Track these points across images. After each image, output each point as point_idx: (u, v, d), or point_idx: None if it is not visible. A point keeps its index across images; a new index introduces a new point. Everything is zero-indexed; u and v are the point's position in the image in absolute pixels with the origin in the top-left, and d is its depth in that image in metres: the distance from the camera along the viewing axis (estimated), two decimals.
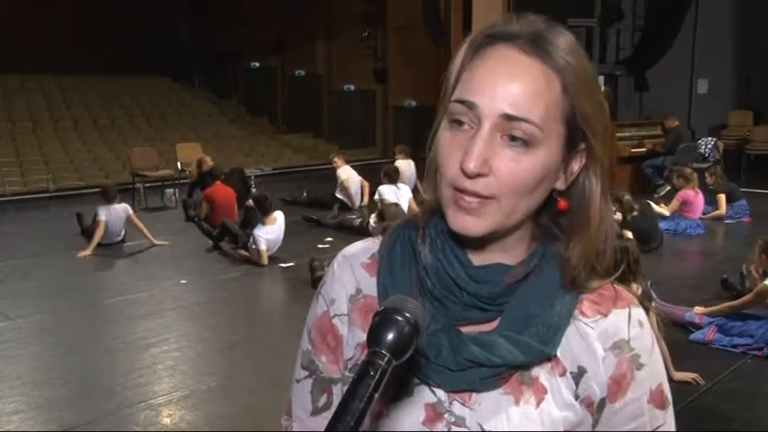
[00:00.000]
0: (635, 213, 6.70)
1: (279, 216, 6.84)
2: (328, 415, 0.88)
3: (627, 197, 6.76)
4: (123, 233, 7.52)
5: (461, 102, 0.74)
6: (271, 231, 6.73)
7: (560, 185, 0.79)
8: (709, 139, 10.79)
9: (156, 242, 7.49)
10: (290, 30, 16.35)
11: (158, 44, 17.26)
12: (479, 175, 0.72)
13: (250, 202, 7.51)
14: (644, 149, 10.50)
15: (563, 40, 0.76)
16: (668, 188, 9.87)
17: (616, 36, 11.56)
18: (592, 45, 11.15)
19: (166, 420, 3.64)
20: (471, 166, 0.72)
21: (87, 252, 7.09)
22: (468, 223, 0.75)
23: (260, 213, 6.81)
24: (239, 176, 9.74)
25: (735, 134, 11.86)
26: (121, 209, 7.40)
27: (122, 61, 16.36)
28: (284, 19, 16.35)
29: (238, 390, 4.01)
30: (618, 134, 10.52)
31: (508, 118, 0.72)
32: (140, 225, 7.46)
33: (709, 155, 10.59)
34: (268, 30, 16.59)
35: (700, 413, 3.62)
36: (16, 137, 13.08)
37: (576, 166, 0.79)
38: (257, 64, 17.79)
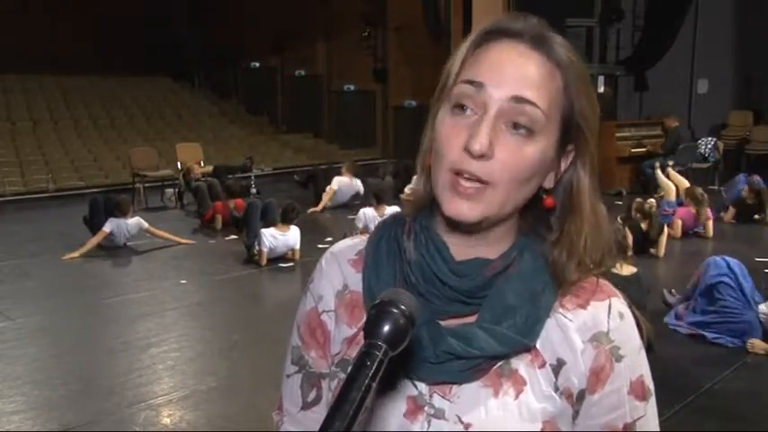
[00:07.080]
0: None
1: (293, 229, 6.79)
2: (318, 409, 0.90)
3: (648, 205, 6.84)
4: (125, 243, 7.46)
5: (470, 82, 0.75)
6: (276, 235, 6.69)
7: (548, 184, 0.81)
8: (709, 139, 10.80)
9: (182, 241, 7.55)
10: (290, 30, 16.31)
11: (158, 44, 17.24)
12: (482, 157, 0.73)
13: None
14: (644, 149, 10.50)
15: (562, 41, 0.79)
16: None
17: (616, 36, 11.57)
18: (592, 45, 11.15)
19: (166, 420, 3.64)
20: (477, 147, 0.72)
21: (75, 254, 7.01)
22: (463, 208, 0.75)
23: (279, 217, 6.92)
24: (224, 173, 9.89)
25: (735, 134, 11.86)
26: (133, 223, 7.32)
27: (122, 61, 16.36)
28: (284, 19, 16.32)
29: (238, 390, 4.01)
30: (618, 134, 10.53)
31: (517, 100, 0.74)
32: (160, 233, 7.50)
33: (709, 155, 10.59)
34: (268, 30, 16.55)
35: (700, 413, 3.62)
36: (16, 137, 13.06)
37: (563, 165, 0.81)
38: (257, 64, 17.76)
